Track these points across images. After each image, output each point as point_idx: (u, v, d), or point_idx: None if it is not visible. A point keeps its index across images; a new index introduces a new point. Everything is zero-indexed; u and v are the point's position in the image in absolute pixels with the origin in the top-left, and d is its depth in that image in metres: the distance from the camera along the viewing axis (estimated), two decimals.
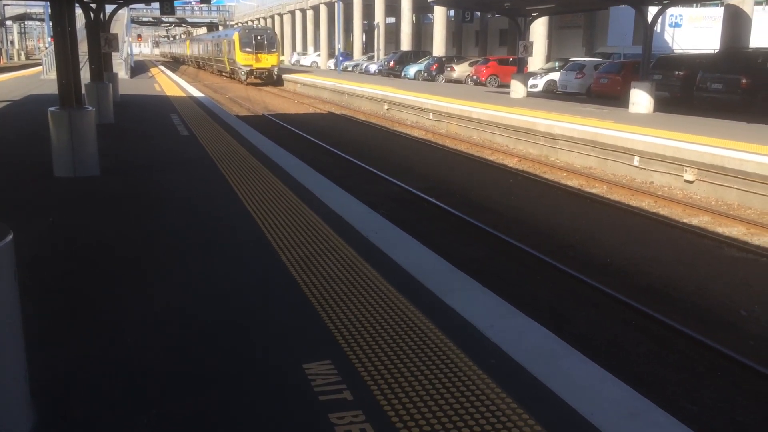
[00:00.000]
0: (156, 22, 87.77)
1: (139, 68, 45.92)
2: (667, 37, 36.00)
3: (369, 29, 58.59)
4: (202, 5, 78.87)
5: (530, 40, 24.56)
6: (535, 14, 23.45)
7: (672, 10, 34.43)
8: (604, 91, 23.19)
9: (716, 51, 22.43)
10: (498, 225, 9.13)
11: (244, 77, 38.93)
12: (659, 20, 21.32)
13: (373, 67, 43.72)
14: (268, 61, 39.07)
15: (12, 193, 7.71)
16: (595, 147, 13.70)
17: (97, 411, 3.03)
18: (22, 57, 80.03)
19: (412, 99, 22.38)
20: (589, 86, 24.58)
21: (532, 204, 10.75)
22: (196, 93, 24.60)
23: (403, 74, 38.04)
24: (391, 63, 40.58)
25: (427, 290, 4.50)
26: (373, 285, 4.59)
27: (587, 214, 10.10)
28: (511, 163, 14.50)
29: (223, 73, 45.51)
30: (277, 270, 4.89)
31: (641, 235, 8.99)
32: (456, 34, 51.01)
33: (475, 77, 32.61)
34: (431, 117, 20.79)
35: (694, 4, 36.82)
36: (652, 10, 19.20)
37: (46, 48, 44.06)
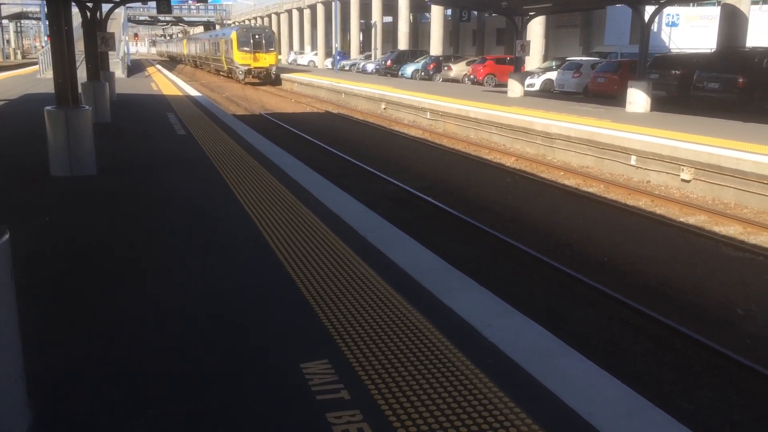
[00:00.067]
0: (153, 21, 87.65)
1: (135, 67, 45.84)
2: (664, 36, 36.07)
3: (366, 28, 58.52)
4: (198, 4, 78.85)
5: (527, 39, 24.56)
6: (532, 13, 23.47)
7: (669, 10, 34.52)
8: (601, 91, 23.21)
9: (713, 50, 22.46)
10: (495, 224, 9.13)
11: (242, 77, 38.71)
12: (656, 19, 21.38)
13: (370, 67, 43.69)
14: (266, 60, 38.82)
15: (8, 192, 7.69)
16: (592, 146, 13.72)
17: (94, 411, 3.02)
18: (19, 56, 79.83)
19: (410, 98, 22.38)
20: (586, 85, 24.61)
21: (529, 203, 10.76)
22: (193, 92, 24.57)
23: (400, 73, 38.02)
24: (388, 62, 40.55)
25: (424, 289, 4.50)
26: (371, 284, 4.59)
27: (584, 213, 10.12)
28: (509, 162, 14.51)
29: (221, 73, 45.34)
30: (275, 270, 4.89)
31: (638, 234, 9.01)
32: (453, 34, 51.03)
33: (472, 76, 32.62)
34: (428, 116, 20.80)
35: (691, 4, 36.93)
36: (649, 10, 19.21)
37: (43, 47, 43.96)
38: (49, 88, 10.13)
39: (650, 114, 17.59)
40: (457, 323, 3.95)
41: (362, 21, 54.86)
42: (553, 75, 27.65)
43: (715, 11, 28.84)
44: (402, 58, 39.97)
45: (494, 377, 3.31)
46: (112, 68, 21.69)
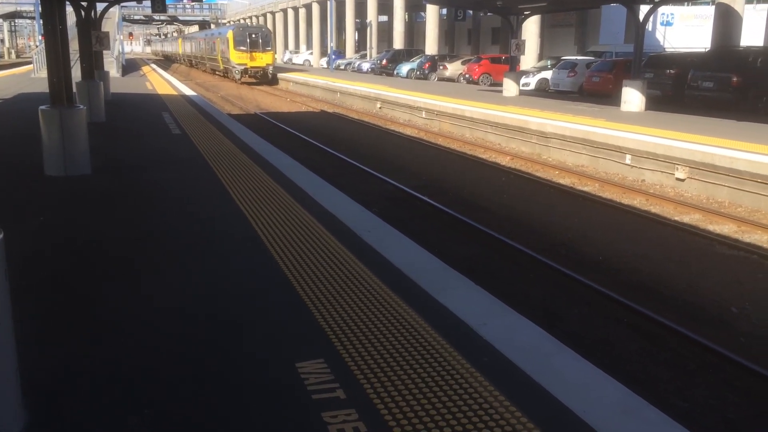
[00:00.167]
0: (147, 21, 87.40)
1: (130, 66, 45.73)
2: (659, 35, 36.16)
3: (361, 27, 58.52)
4: (193, 3, 78.63)
5: (522, 38, 24.59)
6: (527, 13, 23.49)
7: (663, 9, 34.58)
8: (596, 90, 23.26)
9: (707, 49, 22.54)
10: (491, 223, 9.14)
11: (238, 76, 38.40)
12: (651, 19, 21.40)
13: (365, 66, 43.67)
14: (263, 59, 38.49)
15: (2, 192, 7.65)
16: (587, 145, 13.74)
17: (89, 411, 3.02)
18: (13, 55, 79.51)
19: (405, 97, 22.38)
20: (581, 85, 24.65)
21: (525, 202, 10.78)
22: (187, 91, 24.52)
23: (395, 72, 38.02)
24: (384, 61, 40.54)
25: (420, 288, 4.50)
26: (366, 283, 4.59)
27: (579, 212, 10.13)
28: (504, 161, 14.52)
29: (217, 72, 45.11)
30: (270, 269, 4.89)
31: (633, 233, 9.03)
32: (448, 33, 51.06)
33: (467, 75, 32.64)
34: (424, 115, 20.80)
35: (686, 3, 37.03)
36: (644, 9, 19.26)
37: (37, 46, 43.83)
38: (44, 87, 10.10)
39: (645, 113, 17.63)
40: (453, 322, 3.96)
41: (358, 20, 54.85)
42: (548, 74, 27.69)
43: (710, 11, 28.93)
44: (397, 58, 39.97)
45: (490, 376, 3.31)
46: (106, 67, 21.63)
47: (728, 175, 10.65)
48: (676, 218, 9.75)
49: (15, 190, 7.75)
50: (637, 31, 18.66)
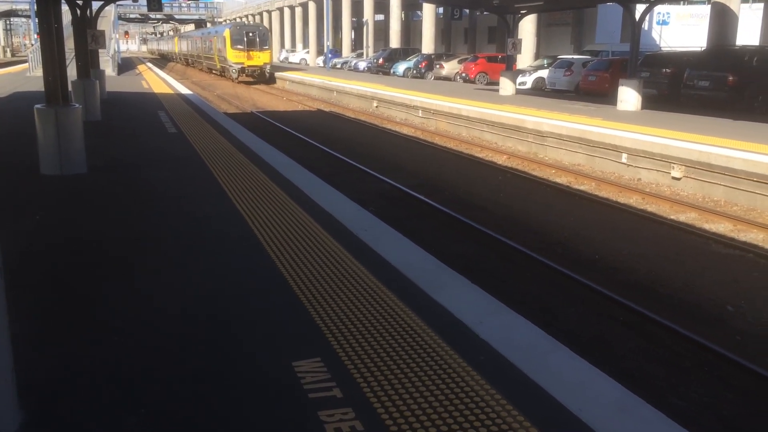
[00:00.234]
0: (143, 19, 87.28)
1: (126, 65, 45.63)
2: (655, 34, 36.22)
3: (358, 26, 58.48)
4: (189, 2, 78.52)
5: (519, 37, 24.61)
6: (523, 12, 23.50)
7: (659, 8, 34.66)
8: (592, 89, 23.29)
9: (703, 48, 22.58)
10: (487, 222, 9.15)
11: (235, 75, 38.13)
12: (647, 18, 21.45)
13: (362, 65, 43.64)
14: (260, 58, 38.25)
15: None
16: (584, 144, 13.76)
17: (85, 410, 3.01)
18: (8, 54, 79.30)
19: (401, 96, 22.38)
20: (578, 84, 24.68)
21: (521, 201, 10.79)
22: (184, 90, 24.47)
23: (392, 71, 37.99)
24: (380, 60, 40.51)
25: (416, 287, 4.51)
26: (363, 282, 4.59)
27: (576, 211, 10.15)
28: (500, 160, 14.53)
29: (214, 71, 44.91)
30: (267, 268, 4.88)
31: (629, 232, 9.04)
32: (445, 32, 51.04)
33: (464, 74, 32.64)
34: (420, 114, 20.80)
35: (682, 2, 37.10)
36: (640, 8, 19.28)
37: (32, 45, 43.66)
38: (39, 86, 10.08)
39: (641, 112, 17.66)
40: (449, 321, 3.96)
41: (354, 19, 54.81)
42: (544, 73, 27.71)
43: (706, 10, 28.98)
44: (394, 56, 39.94)
45: (486, 374, 3.32)
46: (102, 66, 21.59)
47: (724, 174, 10.67)
48: (672, 217, 9.77)
49: (10, 189, 7.73)
50: (633, 30, 18.69)
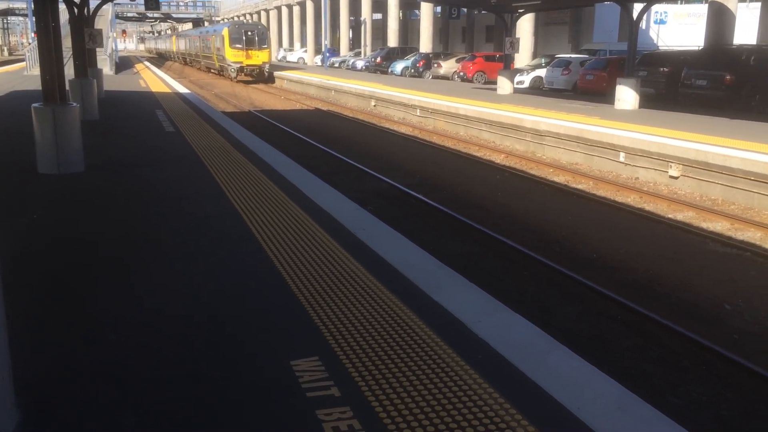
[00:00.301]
0: (141, 18, 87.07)
1: (124, 64, 45.56)
2: (652, 33, 36.24)
3: (356, 25, 58.44)
4: (187, 0, 78.40)
5: (517, 36, 24.62)
6: (521, 11, 23.50)
7: (657, 7, 34.68)
8: (589, 88, 23.30)
9: (701, 48, 22.59)
10: (485, 221, 9.15)
11: (234, 74, 37.86)
12: (644, 17, 21.44)
13: (359, 64, 43.62)
14: (259, 57, 37.99)
15: None
16: (582, 143, 13.77)
17: (83, 409, 3.01)
18: (5, 53, 79.16)
19: (399, 95, 22.37)
20: (575, 83, 24.68)
21: (519, 200, 10.79)
22: (181, 89, 24.44)
23: (389, 70, 37.98)
24: (378, 59, 40.49)
25: (414, 286, 4.51)
26: (361, 281, 4.59)
27: (573, 210, 10.16)
28: (498, 159, 14.54)
29: (212, 70, 44.68)
30: (265, 267, 4.88)
31: (627, 231, 9.05)
32: (443, 31, 51.03)
33: (461, 73, 32.64)
34: (418, 113, 20.80)
35: (679, 1, 37.13)
36: (638, 7, 19.30)
37: (30, 44, 43.58)
38: (36, 85, 10.06)
39: (639, 111, 17.67)
40: (447, 320, 3.96)
41: (352, 18, 54.75)
42: (542, 72, 27.72)
43: (703, 9, 29.02)
44: (392, 55, 39.92)
45: (484, 373, 3.32)
46: (99, 65, 21.54)
47: (721, 173, 10.69)
48: (669, 216, 9.78)
49: (8, 188, 7.71)
50: (630, 29, 18.70)
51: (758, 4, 28.41)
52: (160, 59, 74.24)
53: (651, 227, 9.26)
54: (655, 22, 36.21)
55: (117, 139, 11.77)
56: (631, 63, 18.85)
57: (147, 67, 44.94)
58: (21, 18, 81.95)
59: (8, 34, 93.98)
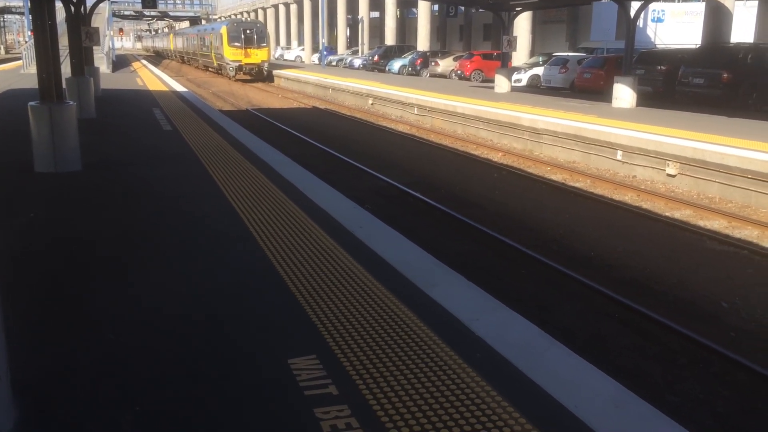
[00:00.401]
0: (138, 16, 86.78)
1: (121, 62, 45.47)
2: (650, 32, 36.25)
3: (353, 24, 58.38)
4: None
5: (514, 34, 24.61)
6: (518, 9, 23.51)
7: (654, 6, 34.67)
8: (587, 86, 23.31)
9: (698, 46, 22.62)
10: (483, 219, 9.16)
11: (232, 73, 37.56)
12: (642, 15, 21.47)
13: (357, 62, 43.59)
14: (258, 56, 37.65)
15: None
16: (579, 141, 13.77)
17: (81, 409, 3.00)
18: (2, 51, 78.91)
19: (397, 94, 22.36)
20: (573, 81, 24.69)
21: (517, 198, 10.80)
22: (178, 87, 24.41)
23: (387, 69, 37.96)
24: (376, 57, 40.48)
25: (412, 284, 4.51)
26: (359, 280, 4.59)
27: (571, 208, 10.16)
28: (496, 157, 14.54)
29: (210, 69, 44.37)
30: (262, 266, 4.88)
31: (624, 229, 9.06)
32: (440, 29, 51.02)
33: (459, 72, 32.63)
34: (416, 112, 20.79)
35: (676, 0, 37.14)
36: (635, 5, 19.30)
37: (26, 42, 43.46)
38: (33, 83, 10.03)
39: (636, 109, 17.69)
40: (445, 318, 3.96)
41: (349, 16, 54.73)
42: (539, 70, 27.72)
43: (700, 7, 29.04)
44: (389, 54, 39.90)
45: (482, 372, 3.32)
46: (96, 63, 21.49)
47: (719, 171, 10.70)
48: (667, 214, 9.80)
49: (4, 186, 7.69)
50: (628, 27, 18.70)
51: (755, 3, 28.44)
52: (157, 58, 74.09)
53: (648, 225, 9.27)
54: (653, 21, 36.23)
55: (114, 137, 11.75)
56: (628, 61, 18.85)
57: (144, 65, 44.86)
58: (18, 16, 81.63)
59: (4, 33, 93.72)
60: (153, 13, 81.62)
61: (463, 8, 42.59)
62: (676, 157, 11.47)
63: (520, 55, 31.72)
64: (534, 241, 8.32)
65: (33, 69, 17.52)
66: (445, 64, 34.76)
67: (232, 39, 37.34)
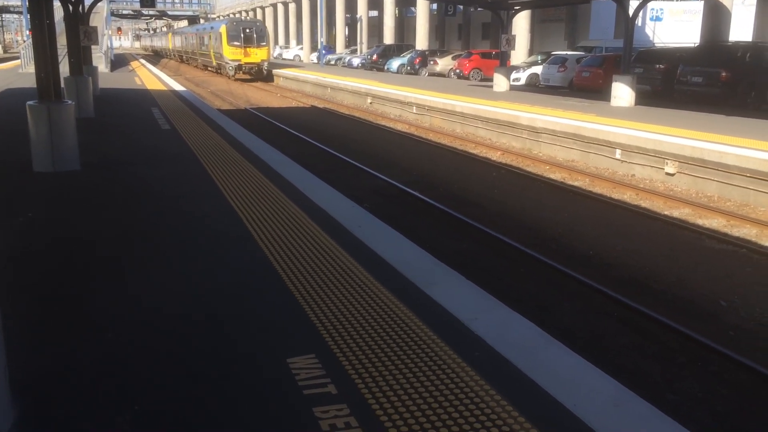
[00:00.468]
0: (136, 15, 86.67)
1: (119, 62, 45.41)
2: (648, 30, 36.28)
3: (352, 22, 58.37)
4: None
5: (513, 33, 24.60)
6: (517, 8, 23.50)
7: (653, 4, 34.71)
8: (586, 85, 23.31)
9: (696, 44, 22.63)
10: (482, 218, 9.16)
11: (232, 72, 37.41)
12: (640, 14, 21.48)
13: (356, 61, 43.57)
14: (257, 55, 37.43)
15: None
16: (578, 140, 13.78)
17: (80, 409, 3.00)
18: (0, 50, 78.79)
19: (396, 93, 22.35)
20: (572, 80, 24.70)
21: (516, 197, 10.80)
22: (177, 87, 24.39)
23: (386, 68, 37.96)
24: (374, 56, 40.46)
25: (411, 284, 4.51)
26: (358, 279, 4.59)
27: (570, 207, 10.17)
28: (495, 156, 14.54)
29: (209, 68, 44.20)
30: (261, 265, 4.88)
31: (623, 228, 9.07)
32: (439, 28, 51.00)
33: (458, 71, 32.63)
34: (414, 111, 20.79)
35: None
36: (633, 4, 19.30)
37: (25, 41, 43.40)
38: (31, 82, 10.03)
39: (635, 108, 17.69)
40: (444, 317, 3.96)
41: (348, 15, 54.71)
42: (538, 69, 27.72)
43: (699, 6, 29.04)
44: (388, 53, 39.90)
45: (481, 370, 3.32)
46: (95, 63, 21.48)
47: (717, 170, 10.71)
48: (665, 213, 9.80)
49: (3, 186, 7.69)
50: (626, 26, 18.71)
51: (754, 1, 28.45)
52: (155, 57, 74.03)
53: (647, 224, 9.28)
54: (651, 19, 36.26)
55: (112, 136, 11.74)
56: (627, 60, 18.86)
57: (143, 64, 44.82)
58: (16, 15, 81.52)
59: (3, 32, 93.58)
60: (151, 12, 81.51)
61: (461, 7, 42.58)
62: (675, 156, 11.47)
63: (519, 54, 31.72)
64: (533, 239, 8.33)
65: (31, 68, 17.49)
66: (443, 63, 34.75)
67: (231, 38, 37.20)
